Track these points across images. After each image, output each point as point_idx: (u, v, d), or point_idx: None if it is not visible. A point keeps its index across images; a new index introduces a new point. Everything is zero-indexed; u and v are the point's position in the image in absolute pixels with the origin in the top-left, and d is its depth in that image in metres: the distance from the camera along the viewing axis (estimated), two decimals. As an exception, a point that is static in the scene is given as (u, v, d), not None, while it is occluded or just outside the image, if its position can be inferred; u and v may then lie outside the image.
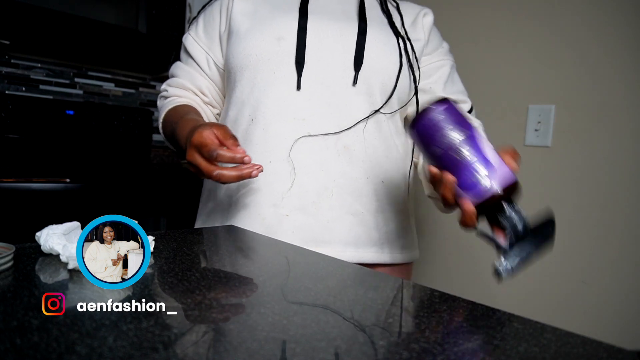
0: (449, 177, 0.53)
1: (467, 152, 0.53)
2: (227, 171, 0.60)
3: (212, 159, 0.60)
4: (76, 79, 1.74)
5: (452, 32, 0.87)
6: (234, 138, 0.62)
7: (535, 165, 1.24)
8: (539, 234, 0.52)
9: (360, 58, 0.73)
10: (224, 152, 0.60)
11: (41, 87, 1.66)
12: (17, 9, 1.33)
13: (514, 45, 1.31)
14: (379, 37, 0.75)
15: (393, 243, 0.78)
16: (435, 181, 0.57)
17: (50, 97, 1.66)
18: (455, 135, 0.53)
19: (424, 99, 0.80)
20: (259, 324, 0.34)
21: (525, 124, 1.27)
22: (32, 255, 0.46)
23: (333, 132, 0.72)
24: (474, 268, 1.37)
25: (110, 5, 1.55)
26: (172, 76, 0.86)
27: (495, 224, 0.55)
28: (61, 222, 0.47)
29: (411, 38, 0.80)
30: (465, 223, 0.55)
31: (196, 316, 0.35)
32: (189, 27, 0.86)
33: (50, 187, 1.19)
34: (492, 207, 0.53)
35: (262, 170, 0.62)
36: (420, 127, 0.56)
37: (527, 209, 0.55)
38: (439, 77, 0.81)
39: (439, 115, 0.54)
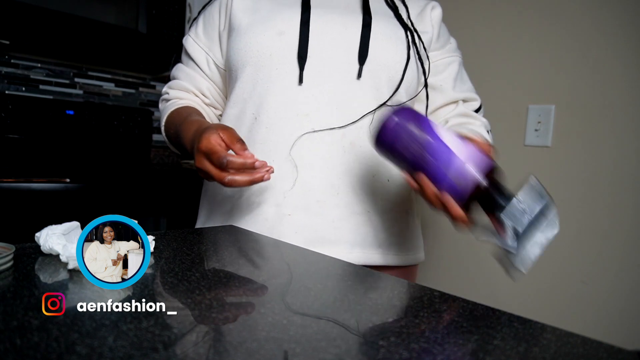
0: (423, 179, 0.53)
1: (430, 155, 0.52)
2: (240, 176, 0.60)
3: (222, 167, 0.60)
4: (76, 79, 1.74)
5: (452, 31, 0.87)
6: (241, 141, 0.62)
7: (535, 165, 1.24)
8: (540, 215, 0.49)
9: (365, 51, 0.71)
10: (234, 159, 0.59)
11: (41, 87, 1.66)
12: (17, 9, 1.33)
13: (514, 45, 1.31)
14: (385, 30, 0.74)
15: (399, 244, 0.76)
16: (417, 190, 0.56)
17: (50, 97, 1.66)
18: (416, 141, 0.53)
19: (434, 96, 0.80)
20: (259, 324, 0.34)
21: (525, 124, 1.27)
22: (32, 255, 0.46)
23: (338, 127, 0.71)
24: (478, 271, 1.37)
25: (110, 5, 1.55)
26: (173, 78, 0.85)
27: (493, 218, 0.53)
28: (61, 222, 0.47)
29: (418, 30, 0.78)
30: (457, 224, 0.54)
31: (196, 316, 0.35)
32: (189, 28, 0.86)
33: (50, 187, 1.19)
34: (481, 201, 0.51)
35: (273, 172, 0.62)
36: (380, 143, 0.55)
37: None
38: (448, 74, 0.81)
39: (395, 126, 0.54)
